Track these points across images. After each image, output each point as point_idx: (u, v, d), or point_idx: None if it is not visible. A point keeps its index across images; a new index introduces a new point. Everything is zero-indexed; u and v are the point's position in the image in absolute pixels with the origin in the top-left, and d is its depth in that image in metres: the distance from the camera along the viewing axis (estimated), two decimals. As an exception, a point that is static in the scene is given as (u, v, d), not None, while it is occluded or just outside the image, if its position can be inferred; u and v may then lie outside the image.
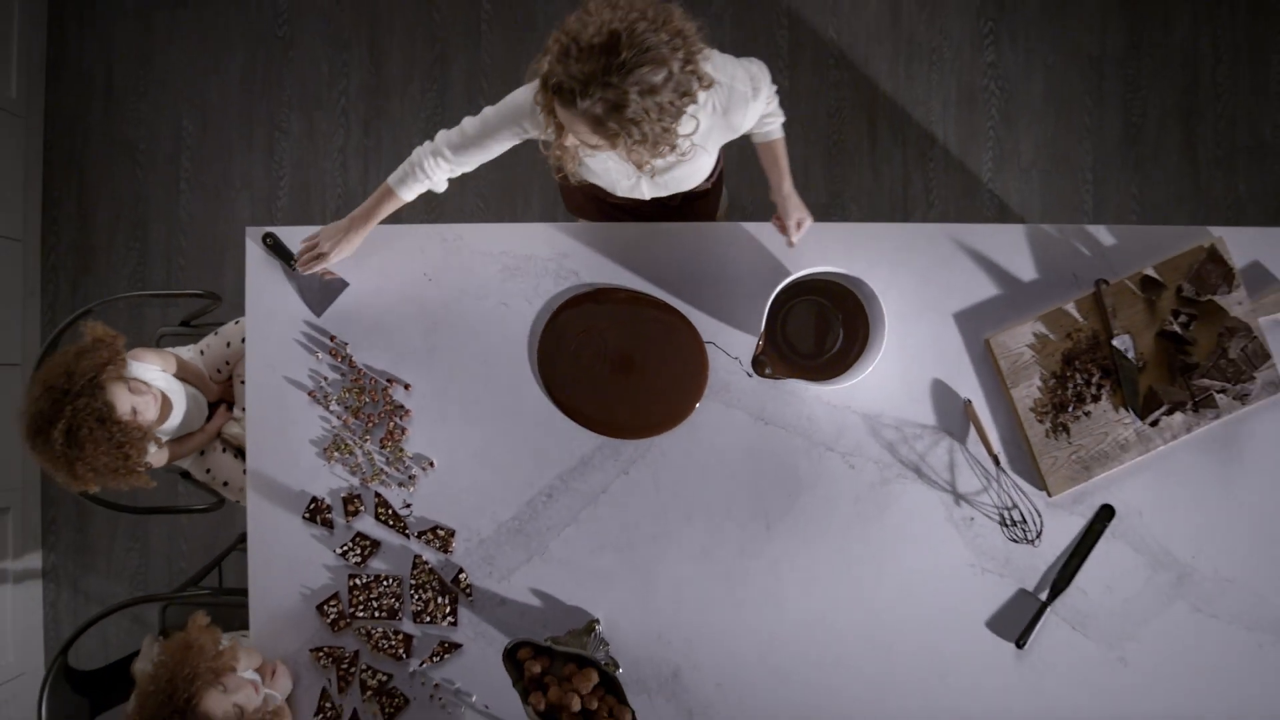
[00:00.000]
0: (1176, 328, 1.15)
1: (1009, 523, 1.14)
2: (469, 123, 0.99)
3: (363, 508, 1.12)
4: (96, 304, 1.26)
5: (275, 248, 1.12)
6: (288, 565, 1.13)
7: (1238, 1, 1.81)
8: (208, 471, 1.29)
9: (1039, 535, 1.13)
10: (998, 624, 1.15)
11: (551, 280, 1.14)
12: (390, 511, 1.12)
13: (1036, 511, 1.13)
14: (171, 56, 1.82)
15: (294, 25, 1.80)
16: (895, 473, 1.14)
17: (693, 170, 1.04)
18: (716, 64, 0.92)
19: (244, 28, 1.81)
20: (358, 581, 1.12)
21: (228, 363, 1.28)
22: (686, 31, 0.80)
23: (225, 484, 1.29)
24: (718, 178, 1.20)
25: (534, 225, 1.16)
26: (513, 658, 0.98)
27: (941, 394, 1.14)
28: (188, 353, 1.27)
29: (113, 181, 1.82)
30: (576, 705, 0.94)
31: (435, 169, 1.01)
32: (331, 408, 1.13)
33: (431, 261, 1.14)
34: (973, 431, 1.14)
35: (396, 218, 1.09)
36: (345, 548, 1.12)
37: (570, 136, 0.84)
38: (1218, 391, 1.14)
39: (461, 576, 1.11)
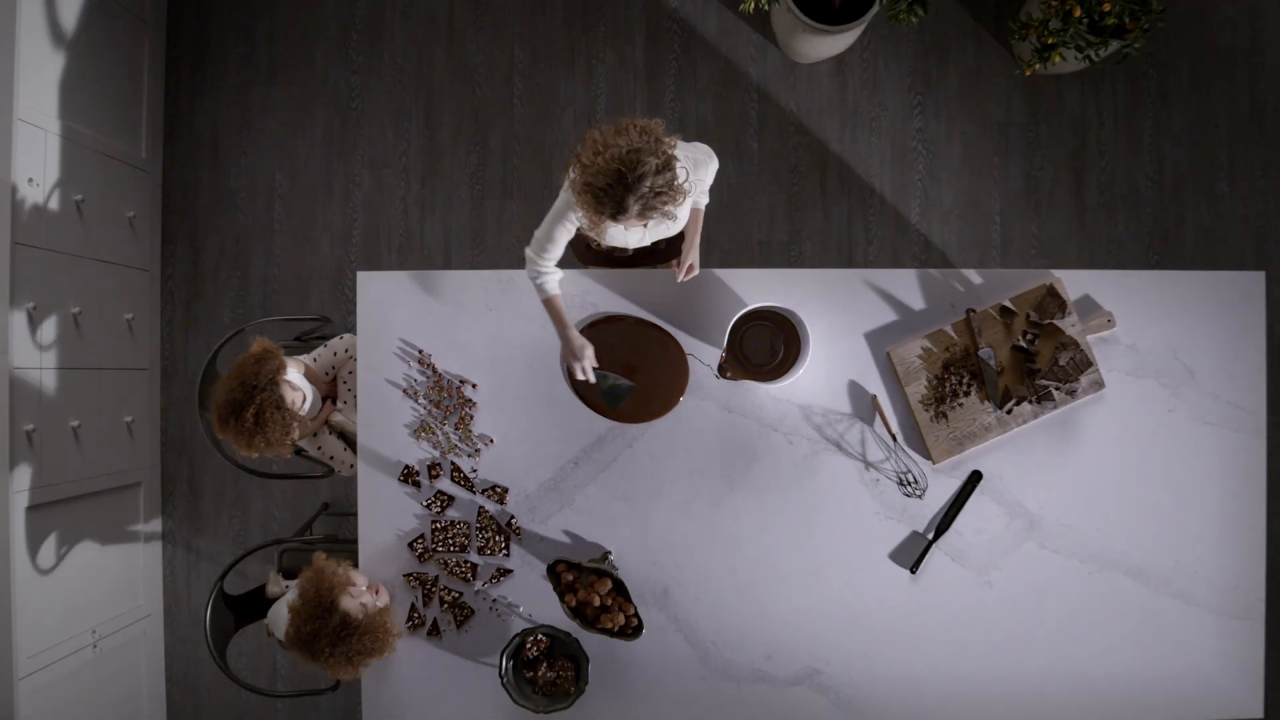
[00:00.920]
0: (1024, 343, 1.59)
1: (904, 483, 1.57)
2: (538, 232, 1.34)
3: (441, 472, 1.56)
4: (250, 325, 1.69)
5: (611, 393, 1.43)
6: (387, 514, 1.56)
7: (1117, 79, 2.26)
8: (319, 448, 1.72)
9: (925, 491, 1.57)
10: (897, 556, 1.58)
11: (577, 310, 1.57)
12: (461, 474, 1.56)
13: (924, 475, 1.57)
14: (266, 124, 2.27)
15: (364, 100, 2.25)
16: (822, 447, 1.57)
17: (677, 224, 1.45)
18: (682, 149, 1.32)
19: (324, 101, 2.25)
20: (437, 525, 1.55)
21: (333, 368, 1.72)
22: (665, 142, 1.13)
23: (331, 458, 1.73)
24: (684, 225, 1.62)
25: (564, 270, 1.60)
26: (553, 571, 1.42)
27: (856, 391, 1.58)
28: (307, 360, 1.72)
29: (218, 224, 2.27)
30: (596, 601, 1.38)
31: (544, 268, 1.38)
32: (419, 400, 1.57)
33: (491, 297, 1.57)
34: (878, 417, 1.57)
35: (464, 265, 1.53)
36: (428, 501, 1.56)
37: (603, 223, 1.17)
38: (1054, 389, 1.58)
39: (513, 521, 1.55)
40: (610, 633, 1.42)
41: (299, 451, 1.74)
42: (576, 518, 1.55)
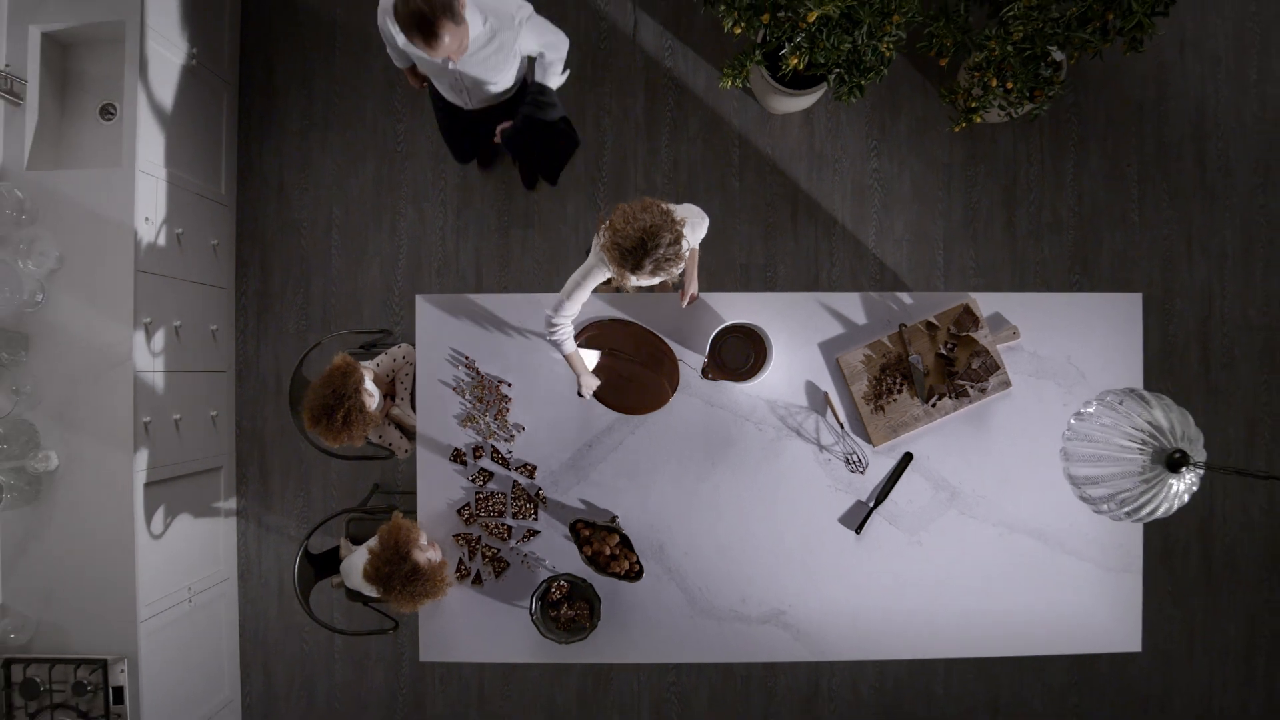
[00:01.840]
0: (945, 351, 1.99)
1: (850, 462, 1.97)
2: (561, 295, 1.67)
3: (483, 453, 1.96)
4: (327, 337, 2.09)
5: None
6: (440, 487, 1.96)
7: (1043, 126, 2.66)
8: (380, 437, 2.12)
9: (867, 468, 1.97)
10: (844, 520, 1.97)
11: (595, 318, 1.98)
12: (499, 455, 1.96)
13: (866, 455, 1.97)
14: (325, 164, 2.67)
15: (409, 144, 2.65)
16: (785, 434, 1.97)
17: (678, 270, 1.83)
18: (680, 212, 1.72)
19: (375, 145, 2.66)
20: (480, 496, 1.95)
21: (392, 371, 2.12)
22: (672, 214, 1.51)
23: (390, 444, 2.13)
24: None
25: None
26: (574, 529, 1.83)
27: (811, 389, 1.98)
28: (372, 366, 2.12)
29: (284, 250, 2.67)
30: (607, 551, 1.79)
31: (561, 329, 1.70)
32: (466, 396, 1.97)
33: (521, 314, 1.98)
34: (829, 410, 1.97)
35: (497, 288, 1.92)
36: (473, 476, 1.96)
37: (638, 279, 1.52)
38: (969, 387, 1.98)
39: (540, 492, 1.95)
40: (618, 576, 1.83)
41: (365, 440, 2.14)
42: (590, 489, 1.95)
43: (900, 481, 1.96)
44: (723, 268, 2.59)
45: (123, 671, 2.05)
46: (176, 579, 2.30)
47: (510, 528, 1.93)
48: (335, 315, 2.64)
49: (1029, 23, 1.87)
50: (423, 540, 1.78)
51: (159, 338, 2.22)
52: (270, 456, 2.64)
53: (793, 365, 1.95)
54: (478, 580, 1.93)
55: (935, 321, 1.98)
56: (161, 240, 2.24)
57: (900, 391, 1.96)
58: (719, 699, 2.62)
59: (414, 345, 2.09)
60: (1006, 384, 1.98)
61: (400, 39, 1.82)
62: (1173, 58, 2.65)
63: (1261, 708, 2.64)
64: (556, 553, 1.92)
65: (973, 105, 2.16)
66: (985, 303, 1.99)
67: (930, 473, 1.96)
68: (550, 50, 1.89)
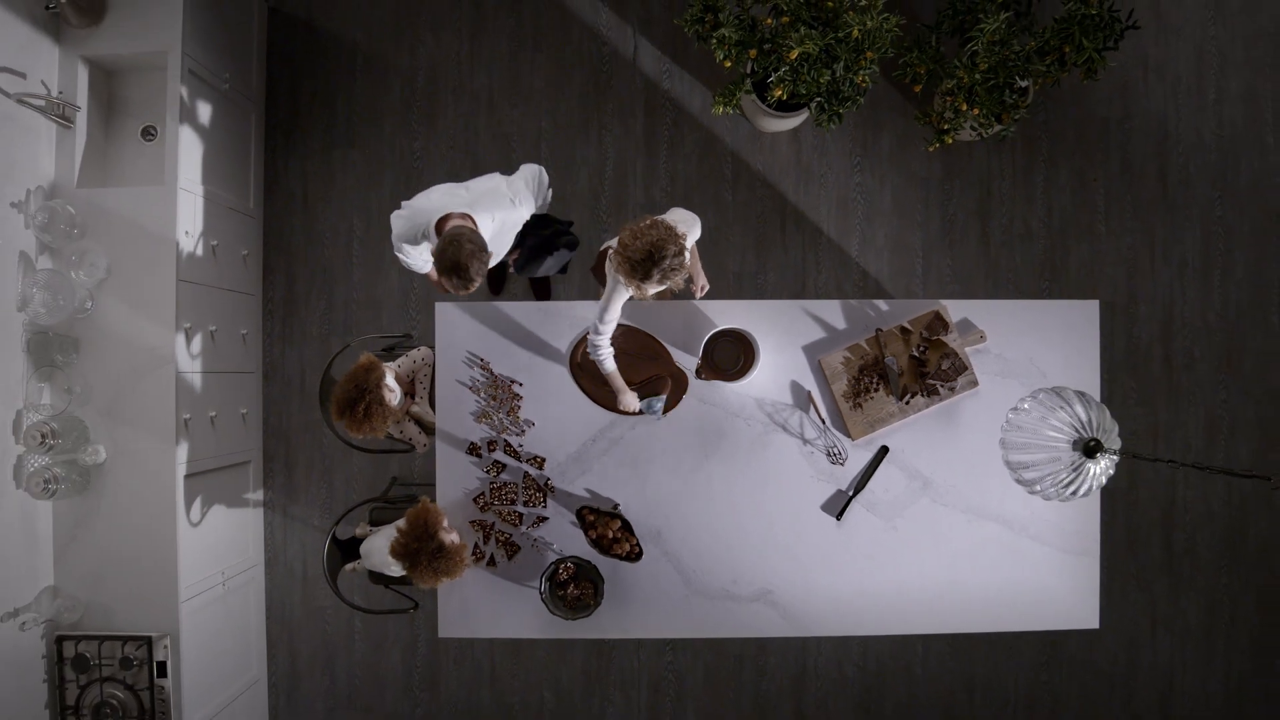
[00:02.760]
0: (918, 353, 2.17)
1: (831, 454, 2.16)
2: (596, 315, 1.85)
3: (497, 446, 2.14)
4: (354, 341, 2.29)
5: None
6: (458, 477, 2.14)
7: (1015, 143, 2.85)
8: (400, 432, 2.30)
9: (846, 460, 2.15)
10: (826, 507, 2.14)
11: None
12: (511, 448, 2.15)
13: (846, 448, 2.15)
14: (346, 179, 2.86)
15: (425, 161, 2.85)
16: (771, 429, 2.15)
17: (682, 276, 2.02)
18: (674, 215, 1.91)
19: (393, 162, 2.85)
20: (493, 485, 2.14)
21: (413, 371, 2.31)
22: (674, 229, 1.70)
23: (410, 439, 2.31)
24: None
25: (584, 302, 2.19)
26: (579, 514, 2.01)
27: (796, 388, 2.16)
28: (393, 366, 2.31)
29: (308, 259, 2.86)
30: (610, 534, 1.98)
31: (603, 346, 1.87)
32: (481, 394, 2.15)
33: (535, 322, 2.16)
34: (812, 407, 2.15)
35: (509, 296, 2.11)
36: (487, 468, 2.14)
37: (646, 288, 1.71)
38: (939, 386, 2.17)
39: (549, 482, 2.14)
40: (619, 557, 2.02)
41: (386, 434, 2.33)
42: (594, 479, 2.13)
43: (877, 472, 2.13)
44: (716, 275, 2.78)
45: (166, 647, 2.24)
46: (212, 564, 2.49)
47: (521, 514, 2.12)
48: (356, 320, 2.83)
49: (992, 56, 2.06)
50: (445, 523, 1.94)
51: (197, 341, 2.41)
52: (295, 451, 2.83)
53: (779, 366, 2.13)
54: (492, 562, 2.12)
55: (909, 326, 2.17)
56: (199, 252, 2.43)
57: (877, 390, 2.15)
58: (714, 677, 2.81)
59: (432, 348, 2.28)
60: (974, 383, 2.16)
61: (425, 265, 1.99)
62: (1136, 78, 2.84)
63: (1220, 685, 2.82)
64: (564, 537, 2.11)
65: (945, 127, 2.35)
66: (955, 309, 2.18)
67: (905, 464, 2.14)
68: (539, 194, 2.07)
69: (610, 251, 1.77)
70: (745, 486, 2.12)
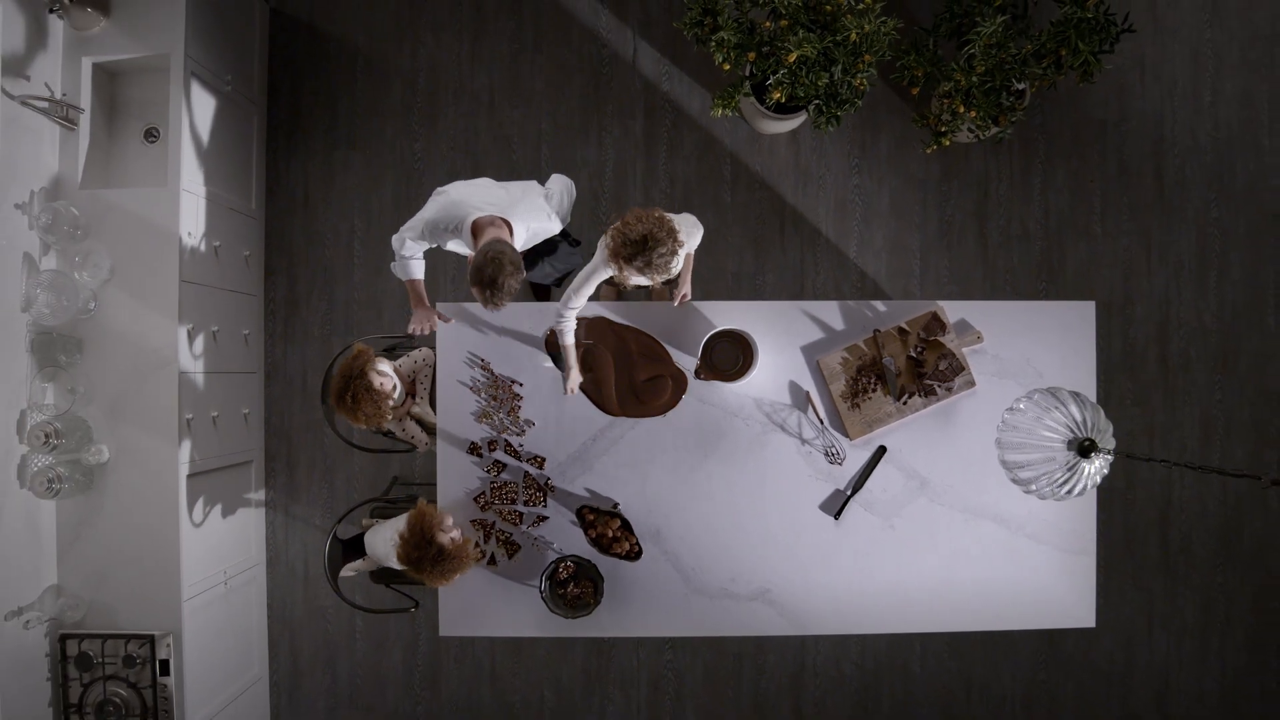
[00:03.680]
0: (915, 354, 2.19)
1: (829, 454, 2.17)
2: (569, 289, 1.88)
3: (497, 446, 2.16)
4: (359, 340, 2.29)
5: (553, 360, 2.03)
6: (459, 476, 2.16)
7: (1013, 144, 2.87)
8: (403, 430, 2.32)
9: (844, 460, 2.17)
10: (824, 506, 2.16)
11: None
12: (511, 448, 2.16)
13: (844, 448, 2.17)
14: (347, 180, 2.88)
15: (426, 163, 2.86)
16: (770, 429, 2.17)
17: (673, 273, 2.03)
18: (682, 220, 1.93)
19: (394, 164, 2.87)
20: (494, 484, 2.15)
21: (414, 372, 2.32)
22: (671, 223, 1.72)
23: (412, 438, 2.33)
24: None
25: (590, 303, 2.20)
26: (580, 513, 2.03)
27: (794, 388, 2.18)
28: (394, 364, 2.32)
29: (309, 259, 2.88)
30: (610, 533, 1.99)
31: (568, 319, 1.91)
32: (481, 395, 2.17)
33: (534, 320, 2.18)
34: (810, 407, 2.17)
35: (523, 298, 2.12)
36: (488, 467, 2.16)
37: (627, 273, 1.76)
38: (937, 386, 2.18)
39: (549, 481, 2.15)
40: (619, 556, 2.04)
41: (388, 434, 2.35)
42: (594, 479, 2.15)
43: (875, 472, 2.15)
44: (714, 275, 2.80)
45: (168, 646, 2.26)
46: (214, 564, 2.50)
47: (522, 514, 2.14)
48: (357, 320, 2.85)
49: (989, 59, 2.08)
50: (447, 521, 1.93)
51: (199, 342, 2.43)
52: (296, 451, 2.85)
53: (777, 367, 2.14)
54: (492, 561, 2.13)
55: (906, 327, 2.19)
56: (201, 252, 2.44)
57: (875, 390, 2.16)
58: (713, 675, 2.82)
59: (433, 348, 2.30)
60: (971, 384, 2.18)
61: (418, 268, 2.01)
62: (1133, 80, 2.86)
63: (1216, 683, 2.84)
64: (563, 536, 2.12)
65: (942, 129, 2.37)
66: (952, 310, 2.20)
67: (902, 464, 2.15)
68: (570, 208, 2.08)
69: (608, 232, 1.78)
70: (744, 486, 2.14)
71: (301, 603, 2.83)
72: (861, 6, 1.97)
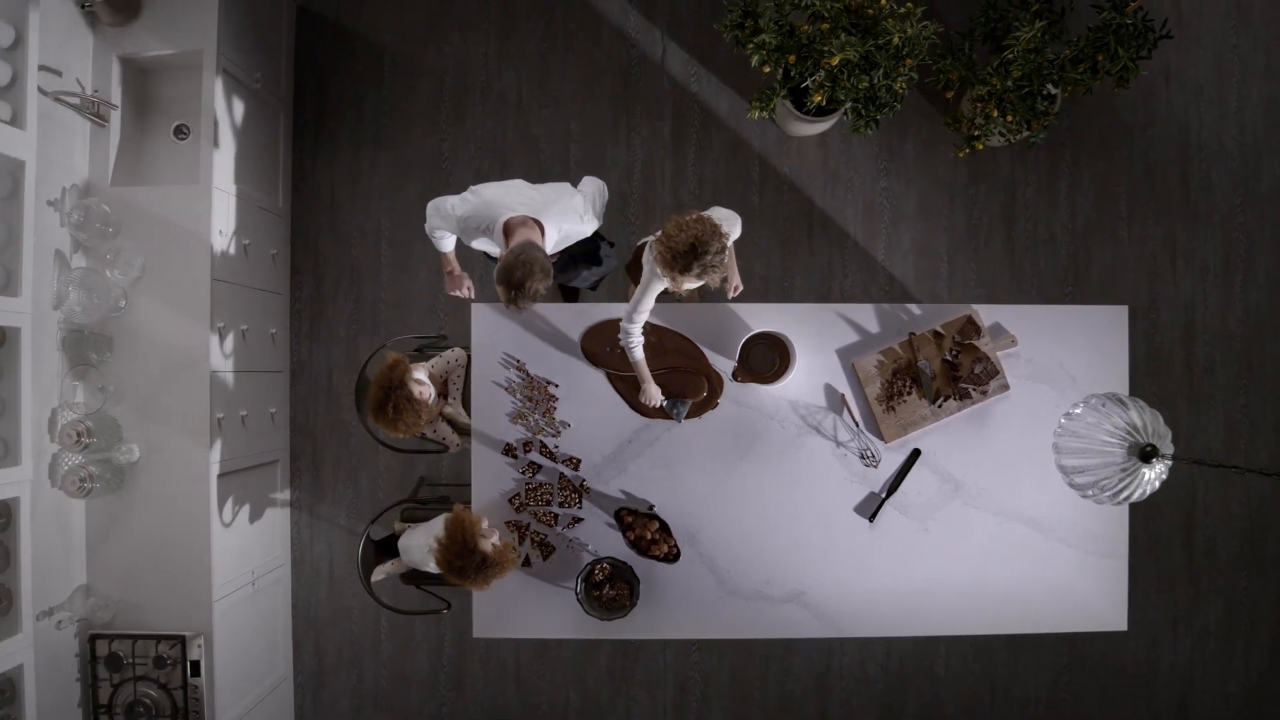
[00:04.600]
0: (950, 357, 2.19)
1: (864, 457, 2.17)
2: (630, 306, 1.87)
3: (532, 447, 2.16)
4: (388, 341, 2.29)
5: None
6: (493, 478, 2.15)
7: (1040, 149, 2.87)
8: (434, 432, 2.31)
9: (879, 463, 2.17)
10: (859, 509, 2.16)
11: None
12: (547, 449, 2.16)
13: (879, 451, 2.17)
14: (374, 179, 2.86)
15: (453, 163, 2.85)
16: (805, 431, 2.17)
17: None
18: (717, 213, 1.91)
19: (421, 163, 2.86)
20: (529, 486, 2.15)
21: (445, 372, 2.32)
22: (713, 220, 1.70)
23: (444, 439, 2.32)
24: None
25: (619, 304, 2.20)
26: (618, 515, 2.03)
27: (830, 391, 2.18)
28: (427, 366, 2.31)
29: (336, 258, 2.86)
30: (649, 535, 1.99)
31: (635, 335, 1.88)
32: (517, 396, 2.16)
33: (569, 323, 2.18)
34: (845, 410, 2.18)
35: (552, 300, 2.12)
36: (523, 469, 2.15)
37: (682, 281, 1.72)
38: (971, 390, 2.19)
39: (584, 483, 2.15)
40: (657, 558, 2.03)
41: (421, 435, 2.34)
42: (630, 480, 2.15)
43: (909, 475, 2.15)
44: (743, 278, 2.79)
45: (200, 647, 2.24)
46: (242, 564, 2.49)
47: (557, 515, 2.13)
48: (384, 320, 2.84)
49: (1028, 64, 2.08)
50: (484, 526, 1.91)
51: (229, 341, 2.42)
52: (322, 451, 2.83)
53: (813, 369, 2.14)
54: (526, 563, 2.13)
55: (941, 330, 2.19)
56: (231, 251, 2.43)
57: (910, 393, 2.17)
58: (739, 676, 2.83)
59: (466, 349, 2.29)
60: (1005, 387, 2.18)
61: (448, 244, 2.00)
62: (1159, 86, 2.87)
63: (1239, 686, 2.85)
64: (598, 538, 2.12)
65: (975, 133, 2.37)
66: (986, 314, 2.20)
67: (937, 467, 2.15)
68: (602, 210, 2.06)
69: (650, 242, 1.78)
70: (779, 488, 2.14)
71: (326, 603, 2.82)
72: (903, 10, 1.97)
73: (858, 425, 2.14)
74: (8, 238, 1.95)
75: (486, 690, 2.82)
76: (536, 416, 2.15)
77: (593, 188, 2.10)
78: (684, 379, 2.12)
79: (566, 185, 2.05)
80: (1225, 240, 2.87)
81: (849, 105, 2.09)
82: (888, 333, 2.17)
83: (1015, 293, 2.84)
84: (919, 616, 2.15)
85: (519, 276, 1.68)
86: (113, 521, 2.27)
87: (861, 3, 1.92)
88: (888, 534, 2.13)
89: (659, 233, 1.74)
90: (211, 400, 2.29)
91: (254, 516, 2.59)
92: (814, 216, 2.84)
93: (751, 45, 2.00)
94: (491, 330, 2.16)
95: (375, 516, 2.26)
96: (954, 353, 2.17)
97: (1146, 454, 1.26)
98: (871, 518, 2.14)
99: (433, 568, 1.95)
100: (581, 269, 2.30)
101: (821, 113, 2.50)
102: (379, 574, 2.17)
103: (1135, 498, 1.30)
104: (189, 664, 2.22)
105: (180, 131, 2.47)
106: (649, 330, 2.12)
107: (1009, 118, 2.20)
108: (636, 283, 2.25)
